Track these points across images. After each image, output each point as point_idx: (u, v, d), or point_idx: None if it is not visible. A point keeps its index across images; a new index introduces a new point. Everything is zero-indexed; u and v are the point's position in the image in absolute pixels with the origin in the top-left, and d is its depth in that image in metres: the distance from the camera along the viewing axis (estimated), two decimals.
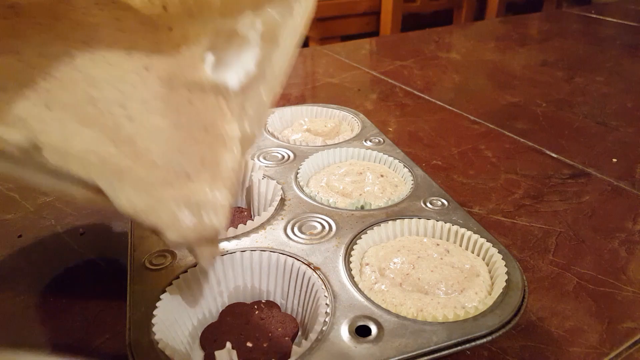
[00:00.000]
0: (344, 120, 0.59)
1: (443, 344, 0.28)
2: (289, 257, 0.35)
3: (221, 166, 0.27)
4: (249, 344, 0.30)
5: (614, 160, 0.61)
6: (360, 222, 0.39)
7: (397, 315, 0.30)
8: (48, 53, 0.27)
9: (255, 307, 0.34)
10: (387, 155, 0.48)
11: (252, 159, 0.48)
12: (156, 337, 0.28)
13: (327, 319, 0.30)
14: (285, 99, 0.81)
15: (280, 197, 0.42)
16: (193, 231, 0.25)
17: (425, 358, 0.28)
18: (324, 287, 0.32)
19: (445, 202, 0.41)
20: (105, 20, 0.29)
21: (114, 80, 0.27)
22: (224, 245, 0.36)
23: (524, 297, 0.31)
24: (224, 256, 0.35)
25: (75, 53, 0.27)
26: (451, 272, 0.34)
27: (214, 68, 0.31)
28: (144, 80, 0.28)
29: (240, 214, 0.44)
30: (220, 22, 0.31)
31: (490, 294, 0.32)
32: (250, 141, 0.29)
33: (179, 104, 0.29)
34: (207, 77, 0.30)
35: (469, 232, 0.37)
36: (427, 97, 0.82)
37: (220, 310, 0.34)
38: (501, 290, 0.32)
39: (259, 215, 0.39)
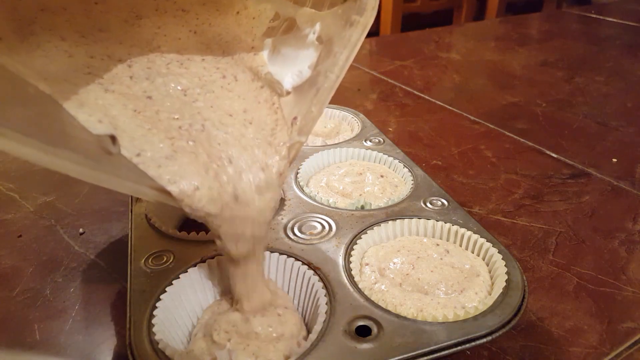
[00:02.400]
0: (344, 120, 0.59)
1: (443, 344, 0.28)
2: (289, 257, 0.35)
3: (269, 169, 0.29)
4: None
5: (614, 160, 0.61)
6: (360, 222, 0.39)
7: (397, 315, 0.30)
8: (154, 69, 0.29)
9: None
10: (387, 156, 0.48)
11: None
12: (156, 337, 0.28)
13: (327, 319, 0.30)
14: None
15: (280, 197, 0.42)
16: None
17: (425, 358, 0.28)
18: (324, 287, 0.32)
19: (445, 202, 0.41)
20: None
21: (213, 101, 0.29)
22: None
23: (524, 297, 0.31)
24: (224, 256, 0.35)
25: (174, 70, 0.30)
26: (451, 272, 0.34)
27: (270, 58, 0.32)
28: (228, 85, 0.30)
29: None
30: (281, 2, 0.32)
31: (490, 294, 0.32)
32: (296, 149, 0.30)
33: (250, 100, 0.30)
34: (263, 64, 0.31)
35: (469, 232, 0.37)
36: (427, 97, 0.82)
37: None
38: (501, 290, 0.32)
39: None
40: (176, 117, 0.28)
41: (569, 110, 0.77)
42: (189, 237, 0.37)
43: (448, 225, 0.38)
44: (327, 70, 0.28)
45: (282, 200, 0.42)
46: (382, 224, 0.38)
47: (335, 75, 0.28)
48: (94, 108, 0.27)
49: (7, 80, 0.25)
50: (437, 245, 0.37)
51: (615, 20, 1.35)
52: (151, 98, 0.28)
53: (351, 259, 0.35)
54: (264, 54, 0.32)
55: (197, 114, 0.29)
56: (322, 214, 0.40)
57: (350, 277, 0.33)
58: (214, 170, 0.27)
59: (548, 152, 0.63)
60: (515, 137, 0.67)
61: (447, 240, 0.38)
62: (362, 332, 0.29)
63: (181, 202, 0.26)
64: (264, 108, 0.30)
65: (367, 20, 0.28)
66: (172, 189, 0.25)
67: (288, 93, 0.31)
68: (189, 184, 0.26)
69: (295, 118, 0.29)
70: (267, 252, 0.35)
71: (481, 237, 0.36)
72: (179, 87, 0.29)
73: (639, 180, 0.57)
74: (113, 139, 0.24)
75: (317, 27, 0.30)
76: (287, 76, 0.31)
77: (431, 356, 0.28)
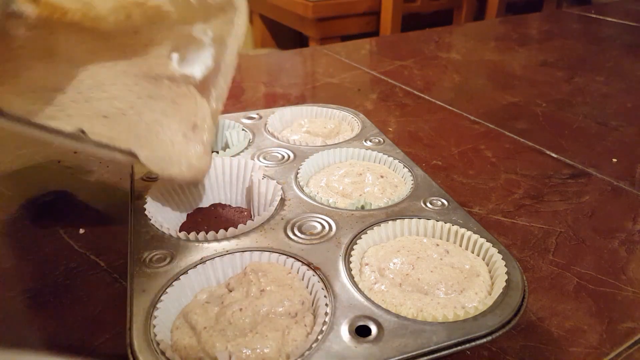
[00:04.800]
0: (344, 120, 0.59)
1: (443, 344, 0.28)
2: (289, 257, 0.35)
3: (201, 131, 0.41)
4: None
5: (614, 160, 0.61)
6: (360, 222, 0.39)
7: (397, 315, 0.30)
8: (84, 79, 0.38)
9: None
10: (387, 156, 0.48)
11: (253, 159, 0.48)
12: (157, 337, 0.28)
13: (327, 319, 0.30)
14: (285, 99, 0.81)
15: (280, 197, 0.42)
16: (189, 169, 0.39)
17: (425, 358, 0.28)
18: (324, 287, 0.32)
19: (445, 202, 0.41)
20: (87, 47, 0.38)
21: (125, 93, 0.39)
22: (224, 246, 0.36)
23: (524, 297, 0.31)
24: (224, 256, 0.35)
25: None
26: (451, 273, 0.34)
27: (180, 64, 0.42)
28: (139, 83, 0.40)
29: (240, 214, 0.44)
30: (178, 29, 0.41)
31: (490, 294, 0.32)
32: (217, 113, 0.42)
33: (168, 94, 0.41)
34: (176, 71, 0.41)
35: (469, 232, 0.37)
36: (427, 97, 0.82)
37: None
38: (501, 290, 0.32)
39: (259, 215, 0.39)
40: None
41: (569, 110, 0.77)
42: (189, 237, 0.37)
43: (448, 225, 0.38)
44: (225, 57, 0.41)
45: (282, 200, 0.42)
46: (382, 224, 0.38)
47: (230, 59, 0.42)
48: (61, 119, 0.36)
49: None
50: (437, 245, 0.37)
51: (615, 20, 1.35)
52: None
53: (351, 259, 0.35)
54: (174, 63, 0.41)
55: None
56: (322, 214, 0.40)
57: (350, 277, 0.33)
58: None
59: (548, 152, 0.63)
60: (515, 137, 0.67)
61: (447, 240, 0.38)
62: (362, 332, 0.29)
63: (148, 165, 0.37)
64: (185, 100, 0.41)
65: (244, 18, 0.41)
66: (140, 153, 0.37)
67: (199, 81, 0.41)
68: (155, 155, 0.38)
69: (210, 93, 0.42)
70: (267, 252, 0.35)
71: (481, 237, 0.36)
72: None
73: (639, 180, 0.57)
74: (83, 132, 0.35)
75: (209, 32, 0.41)
76: (196, 70, 0.41)
77: (431, 356, 0.28)
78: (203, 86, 0.42)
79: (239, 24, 0.41)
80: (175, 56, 0.41)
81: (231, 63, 0.42)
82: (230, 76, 0.42)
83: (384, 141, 0.52)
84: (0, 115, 0.31)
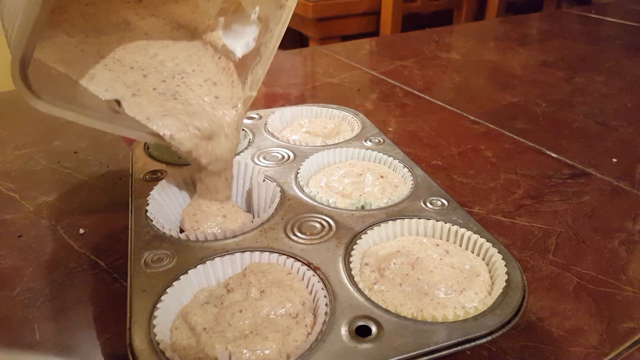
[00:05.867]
0: (344, 120, 0.59)
1: (443, 344, 0.28)
2: (289, 257, 0.35)
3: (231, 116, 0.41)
4: None
5: (614, 160, 0.61)
6: (360, 222, 0.39)
7: (397, 315, 0.30)
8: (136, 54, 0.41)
9: None
10: (387, 156, 0.48)
11: (252, 161, 0.48)
12: (157, 337, 0.28)
13: (327, 319, 0.30)
14: (285, 99, 0.81)
15: (280, 198, 0.42)
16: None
17: (425, 358, 0.28)
18: (324, 287, 0.32)
19: (445, 202, 0.41)
20: None
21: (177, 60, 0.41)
22: (224, 246, 0.36)
23: (524, 297, 0.31)
24: (224, 257, 0.35)
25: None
26: (451, 273, 0.34)
27: (224, 33, 0.43)
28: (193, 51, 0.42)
29: None
30: None
31: (490, 294, 0.32)
32: (249, 101, 0.40)
33: (211, 63, 0.42)
34: (220, 38, 0.42)
35: (469, 232, 0.37)
36: (427, 97, 0.82)
37: None
38: (501, 290, 0.32)
39: (258, 217, 0.39)
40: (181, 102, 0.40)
41: (569, 110, 0.77)
42: (189, 237, 0.37)
43: (448, 225, 0.38)
44: (266, 42, 0.39)
45: (282, 200, 0.42)
46: (382, 224, 0.38)
47: (272, 45, 0.39)
48: (102, 82, 0.38)
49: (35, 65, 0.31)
50: (437, 245, 0.37)
51: (615, 20, 1.35)
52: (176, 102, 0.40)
53: (351, 259, 0.35)
54: (219, 31, 0.43)
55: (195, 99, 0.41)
56: (322, 214, 0.40)
57: (350, 277, 0.33)
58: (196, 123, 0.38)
59: (548, 152, 0.63)
60: (515, 137, 0.67)
61: (447, 240, 0.38)
62: (362, 332, 0.29)
63: (171, 142, 0.37)
64: (224, 75, 0.42)
65: (293, 3, 0.38)
66: (165, 132, 0.37)
67: (238, 60, 0.41)
68: (177, 129, 0.37)
69: (246, 78, 0.40)
70: (267, 252, 0.35)
71: (481, 237, 0.36)
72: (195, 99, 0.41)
73: (639, 180, 0.57)
74: (118, 102, 0.36)
75: (257, 9, 0.40)
76: (237, 47, 0.41)
77: (431, 356, 0.28)
78: (240, 69, 0.41)
79: (286, 9, 0.38)
80: (221, 20, 0.42)
81: (271, 50, 0.39)
82: (268, 64, 0.40)
83: (384, 141, 0.52)
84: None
